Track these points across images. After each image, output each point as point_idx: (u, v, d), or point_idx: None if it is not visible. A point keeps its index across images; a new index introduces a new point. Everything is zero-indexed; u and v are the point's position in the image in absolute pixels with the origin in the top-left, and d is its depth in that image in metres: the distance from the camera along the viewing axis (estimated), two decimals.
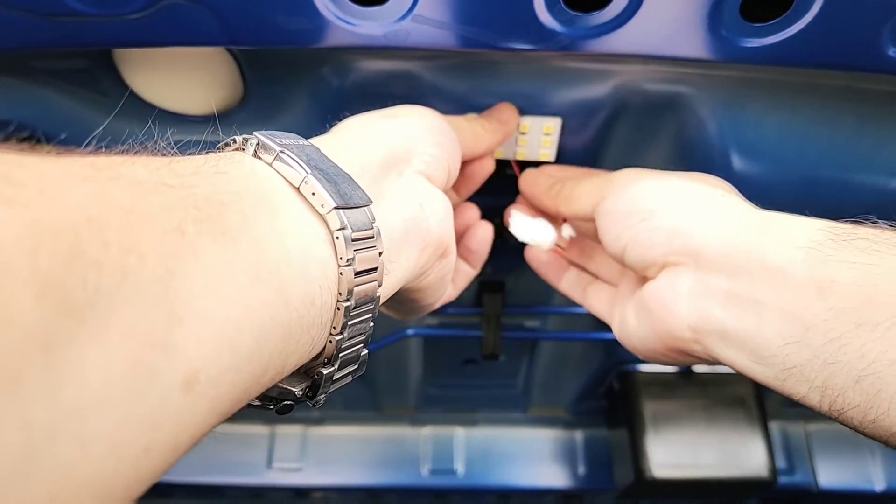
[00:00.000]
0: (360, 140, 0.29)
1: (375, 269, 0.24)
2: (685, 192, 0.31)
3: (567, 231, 0.41)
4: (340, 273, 0.22)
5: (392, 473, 0.80)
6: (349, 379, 0.25)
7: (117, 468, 0.14)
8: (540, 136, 0.41)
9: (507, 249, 0.49)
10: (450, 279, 0.35)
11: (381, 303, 0.25)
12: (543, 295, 0.60)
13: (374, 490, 0.80)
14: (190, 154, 0.21)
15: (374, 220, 0.24)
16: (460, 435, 0.82)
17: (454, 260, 0.34)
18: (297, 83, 0.39)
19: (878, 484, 0.76)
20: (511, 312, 0.61)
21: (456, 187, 0.41)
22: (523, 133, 0.41)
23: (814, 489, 0.77)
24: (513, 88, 0.39)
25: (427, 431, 0.82)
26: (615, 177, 0.35)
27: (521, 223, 0.39)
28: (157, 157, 0.19)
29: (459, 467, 0.80)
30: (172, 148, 0.21)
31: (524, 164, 0.43)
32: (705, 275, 0.29)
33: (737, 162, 0.40)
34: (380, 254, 0.24)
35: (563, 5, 0.29)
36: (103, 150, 0.18)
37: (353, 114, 0.32)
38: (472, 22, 0.30)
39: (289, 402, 0.23)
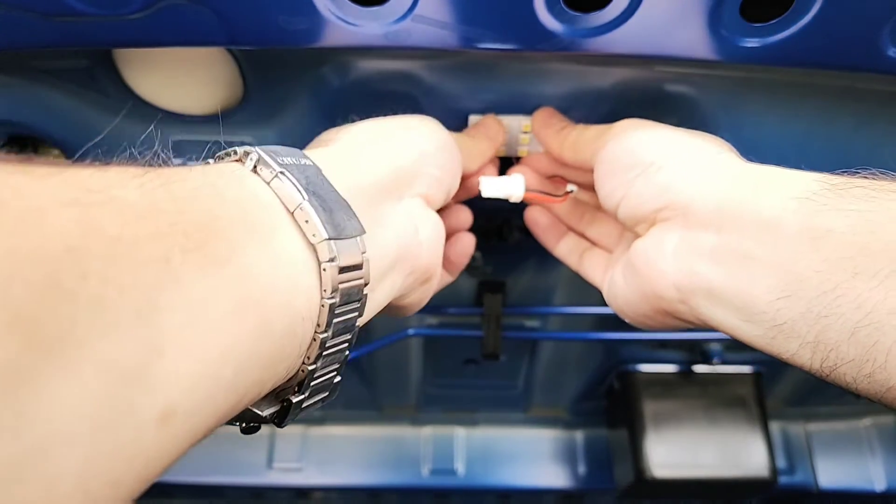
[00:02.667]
0: (368, 156, 0.28)
1: (359, 300, 0.23)
2: (682, 145, 0.31)
3: (570, 188, 0.41)
4: (322, 305, 0.22)
5: (392, 473, 0.80)
6: (319, 405, 0.25)
7: (85, 500, 0.14)
8: None
9: (507, 249, 0.49)
10: (430, 296, 0.35)
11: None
12: (543, 295, 0.60)
13: (375, 490, 0.80)
14: (189, 159, 0.20)
15: (364, 250, 0.24)
16: (460, 435, 0.82)
17: (437, 283, 0.34)
18: (298, 83, 0.39)
19: (879, 484, 0.76)
20: (511, 312, 0.61)
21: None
22: (525, 132, 0.41)
23: (814, 489, 0.77)
24: (513, 88, 0.39)
25: (427, 431, 0.82)
26: (616, 125, 0.34)
27: (488, 183, 0.38)
28: (155, 174, 0.18)
29: (460, 467, 0.80)
30: (170, 156, 0.20)
31: None
32: (693, 231, 0.28)
33: None
34: (365, 284, 0.24)
35: (563, 5, 0.29)
36: (102, 159, 0.18)
37: (355, 115, 0.32)
38: (473, 22, 0.30)
39: (255, 425, 0.23)
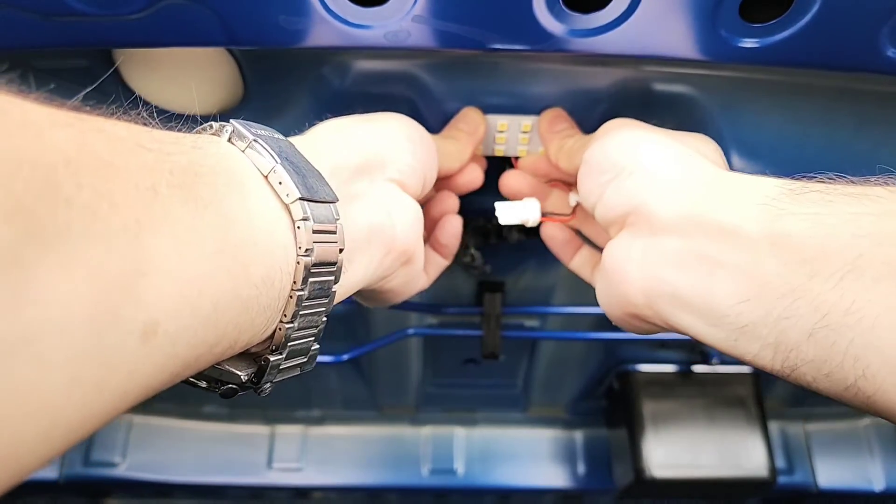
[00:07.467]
0: (334, 144, 0.29)
1: (334, 263, 0.24)
2: (654, 150, 0.31)
3: (573, 199, 0.41)
4: (297, 262, 0.23)
5: (392, 473, 0.80)
6: (297, 371, 0.26)
7: (70, 397, 0.14)
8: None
9: (507, 249, 0.50)
10: (418, 282, 0.36)
11: (337, 300, 0.26)
12: (543, 295, 0.60)
13: (374, 490, 0.80)
14: (169, 128, 0.21)
15: (338, 216, 0.25)
16: (460, 435, 0.82)
17: (421, 265, 0.35)
18: (298, 83, 0.39)
19: (878, 484, 0.76)
20: (511, 312, 0.61)
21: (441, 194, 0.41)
22: (525, 132, 0.41)
23: (813, 489, 0.77)
24: (512, 88, 0.39)
25: (427, 431, 0.82)
26: (602, 127, 0.34)
27: (504, 209, 0.39)
28: (140, 125, 0.20)
29: (459, 467, 0.80)
30: (154, 119, 0.21)
31: None
32: (658, 237, 0.29)
33: (736, 162, 0.40)
34: (340, 250, 0.25)
35: (562, 6, 0.29)
36: (89, 107, 0.19)
37: (350, 114, 0.32)
38: (472, 22, 0.30)
39: (233, 386, 0.23)
